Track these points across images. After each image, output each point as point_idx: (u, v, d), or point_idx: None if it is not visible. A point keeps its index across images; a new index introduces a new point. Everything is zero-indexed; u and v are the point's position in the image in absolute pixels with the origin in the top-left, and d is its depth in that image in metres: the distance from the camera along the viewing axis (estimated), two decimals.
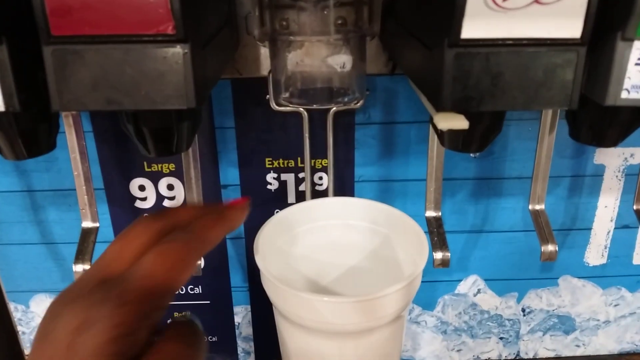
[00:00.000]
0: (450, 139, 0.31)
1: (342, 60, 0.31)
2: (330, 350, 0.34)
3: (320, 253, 0.41)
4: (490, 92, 0.24)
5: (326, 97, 0.32)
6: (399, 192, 0.46)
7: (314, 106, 0.33)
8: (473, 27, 0.23)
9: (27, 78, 0.26)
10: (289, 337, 0.37)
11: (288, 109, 0.40)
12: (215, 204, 0.27)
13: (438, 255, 0.39)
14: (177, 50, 0.23)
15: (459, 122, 0.24)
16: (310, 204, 0.41)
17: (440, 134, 0.32)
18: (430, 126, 0.39)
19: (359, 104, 0.39)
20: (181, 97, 0.24)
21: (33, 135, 0.30)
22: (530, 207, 0.41)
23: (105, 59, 0.23)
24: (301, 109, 0.40)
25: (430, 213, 0.41)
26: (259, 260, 0.33)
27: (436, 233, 0.40)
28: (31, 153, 0.31)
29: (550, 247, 0.40)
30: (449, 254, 0.39)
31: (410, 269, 0.35)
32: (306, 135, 0.42)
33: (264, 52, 0.39)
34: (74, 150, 0.38)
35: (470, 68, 0.24)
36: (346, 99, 0.33)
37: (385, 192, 0.46)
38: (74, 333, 0.20)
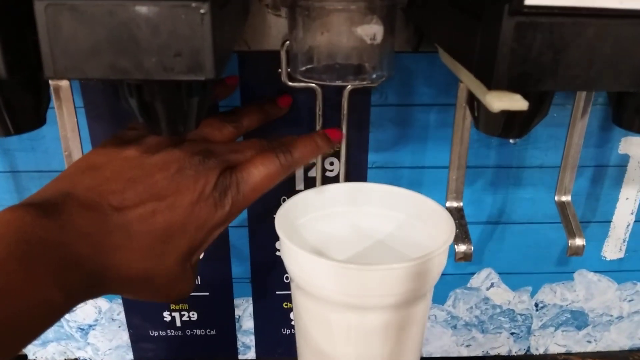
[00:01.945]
0: (488, 122, 0.28)
1: (372, 31, 0.27)
2: (362, 327, 0.31)
3: (337, 239, 0.39)
4: (551, 69, 0.21)
5: (352, 73, 0.29)
6: (414, 180, 0.43)
7: (337, 82, 0.30)
8: None
9: (15, 40, 0.22)
10: (314, 318, 0.33)
11: (300, 85, 0.37)
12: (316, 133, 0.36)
13: (460, 248, 0.36)
14: (197, 8, 0.20)
15: (518, 102, 0.21)
16: (327, 188, 0.38)
17: (476, 116, 0.29)
18: (457, 110, 0.36)
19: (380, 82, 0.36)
20: (200, 66, 0.21)
21: (21, 108, 0.26)
22: (556, 198, 0.39)
23: (109, 18, 0.20)
24: (314, 86, 0.37)
25: (452, 203, 0.38)
26: (282, 232, 0.31)
27: (458, 225, 0.37)
28: (19, 129, 0.27)
29: (578, 241, 0.38)
30: (472, 247, 0.36)
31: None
32: (319, 114, 0.39)
33: (275, 22, 0.35)
34: (64, 127, 0.34)
35: (532, 40, 0.21)
36: (374, 76, 0.30)
37: (400, 180, 0.43)
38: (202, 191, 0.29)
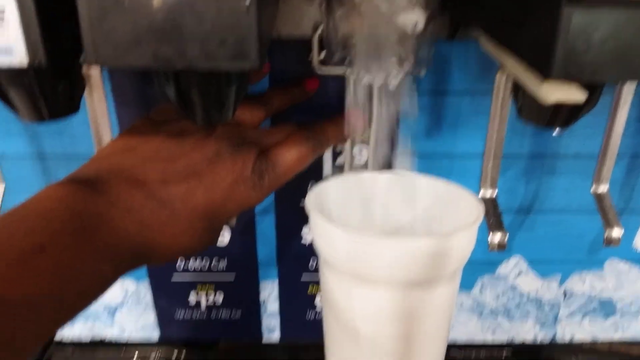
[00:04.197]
0: (534, 111, 0.28)
1: (414, 19, 0.26)
2: (394, 307, 0.31)
3: (366, 226, 0.38)
4: (612, 60, 0.20)
5: (391, 64, 0.28)
6: (444, 168, 0.42)
7: (375, 74, 0.29)
8: None
9: (55, 27, 0.21)
10: (338, 292, 0.33)
11: (331, 72, 0.36)
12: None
13: (495, 237, 0.36)
14: None
15: (575, 94, 0.20)
16: (357, 176, 0.37)
17: (520, 105, 0.28)
18: (494, 98, 0.35)
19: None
20: (244, 55, 0.20)
21: (56, 95, 0.26)
22: (593, 188, 0.38)
23: (152, 5, 0.19)
24: (346, 73, 0.36)
25: (485, 193, 0.37)
26: (312, 210, 0.31)
27: (492, 215, 0.36)
28: (53, 115, 0.27)
29: (615, 232, 0.37)
30: (507, 236, 0.36)
31: None
32: (350, 98, 0.38)
33: (306, 9, 0.34)
34: (95, 113, 0.34)
35: (592, 30, 0.20)
36: (414, 67, 0.29)
37: (430, 169, 0.42)
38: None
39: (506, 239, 0.36)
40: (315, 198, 0.34)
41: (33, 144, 0.41)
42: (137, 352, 0.50)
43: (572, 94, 0.21)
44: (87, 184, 0.25)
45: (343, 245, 0.30)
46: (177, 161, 0.28)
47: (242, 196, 0.30)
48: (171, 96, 0.25)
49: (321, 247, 0.32)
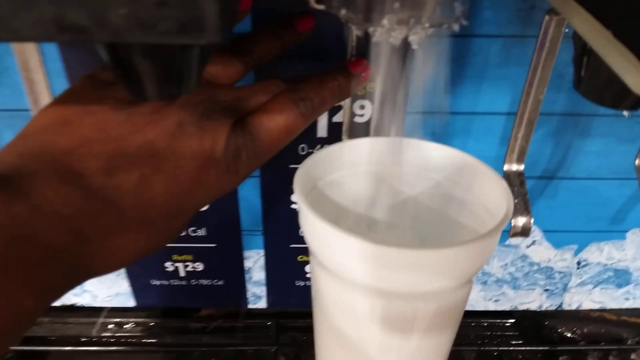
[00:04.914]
0: (598, 89, 0.21)
1: None
2: (392, 314, 0.27)
3: (366, 202, 0.32)
4: None
5: (414, 14, 0.21)
6: (462, 128, 0.36)
7: (393, 31, 0.21)
8: None
9: None
10: (335, 298, 0.28)
11: (332, 10, 0.28)
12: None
13: (518, 221, 0.30)
14: None
15: None
16: (356, 143, 0.31)
17: (581, 77, 0.21)
18: (537, 51, 0.27)
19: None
20: (199, 25, 0.13)
21: None
22: (638, 161, 0.32)
23: None
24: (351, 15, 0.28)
25: (511, 166, 0.31)
26: (302, 199, 0.25)
27: (517, 193, 0.31)
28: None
29: None
30: (532, 221, 0.30)
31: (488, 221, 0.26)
32: (353, 45, 0.31)
33: None
34: (27, 65, 0.26)
35: None
36: (445, 20, 0.21)
37: (445, 128, 0.36)
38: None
39: (532, 223, 0.30)
40: (306, 175, 0.28)
41: None
42: (111, 318, 0.46)
43: None
44: (1, 184, 0.19)
45: (340, 249, 0.24)
46: (126, 140, 0.21)
47: (213, 182, 0.24)
48: (108, 63, 0.18)
49: (312, 244, 0.26)
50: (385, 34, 0.23)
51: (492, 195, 0.27)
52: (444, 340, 0.29)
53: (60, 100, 0.23)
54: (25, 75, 0.26)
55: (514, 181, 0.31)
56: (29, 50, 0.25)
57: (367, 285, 0.24)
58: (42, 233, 0.19)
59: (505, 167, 0.31)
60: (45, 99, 0.27)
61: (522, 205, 0.30)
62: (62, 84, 0.31)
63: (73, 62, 0.30)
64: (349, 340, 0.29)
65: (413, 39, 0.22)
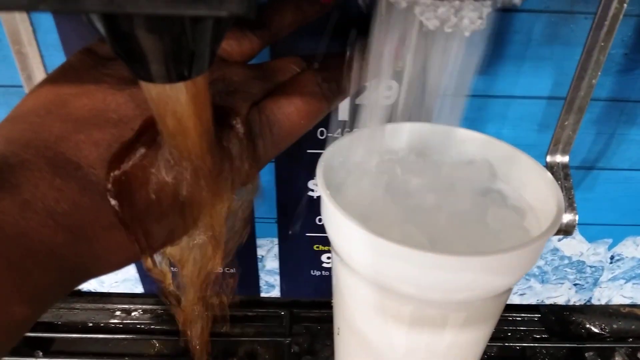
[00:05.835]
0: None
1: None
2: (427, 320, 0.25)
3: (395, 194, 0.30)
4: None
5: None
6: (496, 112, 0.33)
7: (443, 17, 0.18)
8: None
9: None
10: (361, 300, 0.26)
11: None
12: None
13: (563, 218, 0.27)
14: None
15: None
16: (384, 128, 0.28)
17: None
18: (595, 25, 0.24)
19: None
20: None
21: None
22: None
23: None
24: None
25: (555, 158, 0.28)
26: (325, 192, 0.22)
27: (561, 187, 0.28)
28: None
29: None
30: (577, 218, 0.28)
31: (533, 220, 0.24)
32: (380, 18, 0.27)
33: None
34: (18, 39, 0.23)
35: None
36: None
37: (480, 111, 0.33)
38: None
39: (576, 221, 0.28)
40: (327, 165, 0.25)
41: None
42: (119, 304, 0.44)
43: None
44: None
45: (365, 249, 0.21)
46: (128, 125, 0.19)
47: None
48: (105, 39, 0.15)
49: (335, 241, 0.24)
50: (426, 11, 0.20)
51: (534, 189, 0.24)
52: (477, 340, 0.27)
53: (54, 78, 0.20)
54: (15, 48, 0.23)
55: (558, 174, 0.28)
56: (18, 21, 0.22)
57: (406, 293, 0.21)
58: (33, 232, 0.16)
59: (549, 158, 0.28)
60: (39, 75, 0.25)
61: (567, 200, 0.27)
62: (59, 58, 0.28)
63: (70, 34, 0.27)
64: (372, 344, 0.27)
65: (470, 27, 0.19)
